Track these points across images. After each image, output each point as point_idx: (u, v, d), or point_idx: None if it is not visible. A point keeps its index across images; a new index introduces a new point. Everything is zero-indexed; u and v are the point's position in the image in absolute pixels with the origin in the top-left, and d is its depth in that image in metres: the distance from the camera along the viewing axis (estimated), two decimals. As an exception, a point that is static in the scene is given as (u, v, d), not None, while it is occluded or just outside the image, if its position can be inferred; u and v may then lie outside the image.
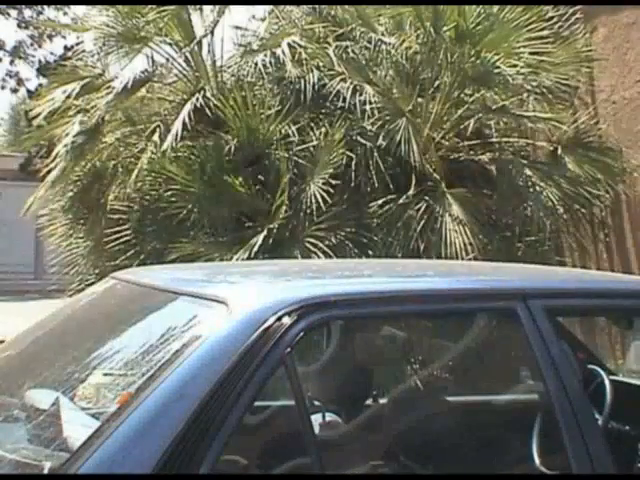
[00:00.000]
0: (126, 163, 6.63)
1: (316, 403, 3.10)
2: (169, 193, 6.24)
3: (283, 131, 6.21)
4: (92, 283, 5.75)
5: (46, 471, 2.03)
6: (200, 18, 6.83)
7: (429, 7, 6.28)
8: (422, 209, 6.02)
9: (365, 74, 6.41)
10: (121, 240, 6.44)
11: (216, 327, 2.21)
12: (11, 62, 22.09)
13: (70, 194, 6.98)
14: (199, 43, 6.76)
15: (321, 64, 6.45)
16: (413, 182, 6.15)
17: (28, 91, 21.79)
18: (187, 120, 6.17)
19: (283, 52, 6.33)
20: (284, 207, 5.91)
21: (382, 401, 3.22)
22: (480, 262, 5.30)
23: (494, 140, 6.72)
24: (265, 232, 5.84)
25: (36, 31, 21.22)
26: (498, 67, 6.20)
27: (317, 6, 6.87)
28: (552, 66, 6.41)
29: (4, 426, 2.42)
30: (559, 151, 6.62)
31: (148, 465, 1.95)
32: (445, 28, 6.24)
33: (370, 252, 5.94)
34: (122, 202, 6.49)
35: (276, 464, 2.61)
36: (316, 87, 6.40)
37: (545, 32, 6.35)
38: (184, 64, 6.90)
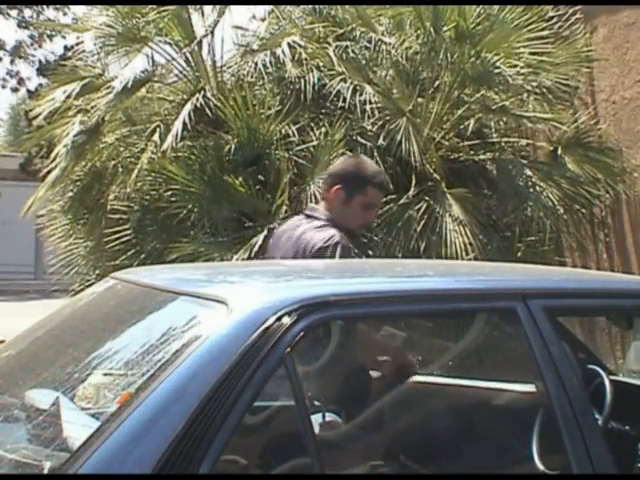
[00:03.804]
0: (126, 163, 6.63)
1: (316, 403, 3.10)
2: (169, 193, 6.24)
3: (283, 131, 6.21)
4: (92, 283, 5.74)
5: (46, 471, 2.03)
6: (200, 18, 6.83)
7: (429, 7, 6.28)
8: (422, 209, 6.01)
9: (365, 74, 6.41)
10: (121, 240, 6.44)
11: (216, 327, 2.21)
12: (11, 62, 22.13)
13: (70, 194, 6.98)
14: (199, 43, 6.76)
15: (321, 64, 6.45)
16: (413, 182, 6.15)
17: (28, 91, 21.83)
18: (187, 120, 6.17)
19: (283, 52, 6.33)
20: (284, 207, 5.91)
21: (382, 401, 3.22)
22: (480, 262, 5.30)
23: (494, 140, 6.72)
24: (265, 232, 5.84)
25: (36, 31, 21.23)
26: (498, 67, 6.20)
27: (317, 6, 6.87)
28: (552, 66, 6.41)
29: (4, 426, 2.42)
30: (559, 151, 6.62)
31: (148, 465, 1.95)
32: (445, 28, 6.24)
33: (370, 252, 5.94)
34: (122, 202, 6.50)
35: (276, 464, 2.61)
36: (316, 87, 6.40)
37: (545, 32, 6.34)
38: (184, 64, 6.90)
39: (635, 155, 7.00)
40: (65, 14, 20.83)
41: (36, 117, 7.18)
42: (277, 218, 5.90)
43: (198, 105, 6.35)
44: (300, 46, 6.40)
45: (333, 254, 3.65)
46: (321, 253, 3.67)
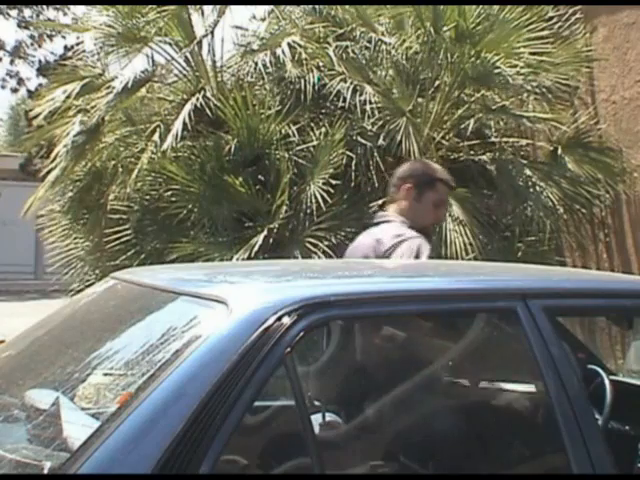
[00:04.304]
0: (126, 163, 6.63)
1: (316, 403, 3.10)
2: (169, 193, 6.25)
3: (283, 131, 6.22)
4: (92, 283, 5.75)
5: (46, 471, 2.03)
6: (200, 18, 6.83)
7: (429, 7, 6.28)
8: (422, 209, 6.01)
9: (365, 74, 6.42)
10: (121, 240, 6.44)
11: (216, 327, 2.21)
12: (11, 62, 22.12)
13: (70, 194, 6.98)
14: (199, 43, 6.76)
15: (321, 64, 6.45)
16: (413, 182, 6.14)
17: (28, 91, 21.83)
18: (187, 120, 6.17)
19: (283, 52, 6.33)
20: (284, 207, 5.92)
21: (382, 401, 3.21)
22: (480, 262, 5.30)
23: (494, 140, 6.72)
24: (265, 232, 5.84)
25: (36, 31, 21.22)
26: (498, 67, 6.20)
27: (317, 6, 6.87)
28: (552, 66, 6.41)
29: (4, 426, 2.41)
30: (559, 151, 6.62)
31: (148, 465, 1.95)
32: (445, 28, 6.24)
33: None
34: (122, 202, 6.50)
35: (276, 464, 2.61)
36: (316, 87, 6.40)
37: (545, 32, 6.34)
38: (184, 64, 6.91)
39: (635, 155, 7.00)
40: (65, 14, 20.82)
41: (36, 117, 7.18)
42: (277, 218, 5.90)
43: (198, 105, 6.35)
44: (300, 46, 6.40)
45: (408, 249, 3.67)
46: (394, 247, 3.69)
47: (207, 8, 6.85)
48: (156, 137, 6.34)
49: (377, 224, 3.99)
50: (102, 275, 5.55)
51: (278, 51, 6.38)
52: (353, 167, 6.14)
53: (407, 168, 4.18)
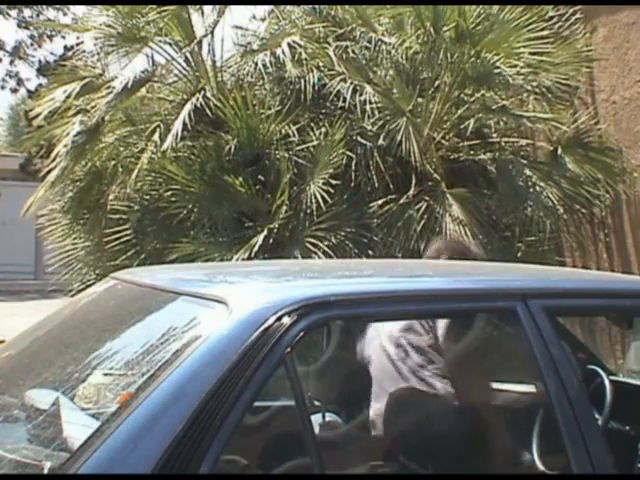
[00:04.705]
0: (126, 163, 6.63)
1: (316, 403, 3.10)
2: (169, 193, 6.25)
3: (283, 131, 6.22)
4: (92, 283, 5.75)
5: (46, 471, 2.03)
6: (200, 18, 6.84)
7: (429, 7, 6.28)
8: (422, 209, 6.02)
9: (365, 74, 6.42)
10: (121, 240, 6.45)
11: (216, 327, 2.21)
12: (11, 62, 22.08)
13: (70, 194, 6.99)
14: (199, 43, 6.76)
15: (321, 64, 6.46)
16: (413, 182, 6.15)
17: (28, 91, 21.79)
18: (187, 120, 6.18)
19: (283, 52, 6.34)
20: (284, 207, 5.92)
21: (382, 401, 3.21)
22: (480, 262, 5.29)
23: (494, 140, 6.73)
24: (265, 232, 5.84)
25: (36, 31, 21.20)
26: (498, 67, 6.21)
27: (317, 6, 6.88)
28: (552, 66, 6.42)
29: (4, 426, 2.41)
30: (559, 151, 6.62)
31: (148, 465, 1.95)
32: (445, 28, 6.25)
33: (370, 252, 5.95)
34: (122, 202, 6.50)
35: (276, 464, 2.61)
36: (316, 87, 6.41)
37: (545, 32, 6.35)
38: (184, 64, 6.91)
39: (635, 155, 7.00)
40: (65, 14, 20.78)
41: (36, 117, 7.18)
42: (277, 218, 5.90)
43: (198, 105, 6.36)
44: (300, 46, 6.40)
45: None
46: None
47: (207, 8, 6.86)
48: (156, 137, 6.34)
49: None
50: (102, 275, 5.55)
51: (278, 51, 6.38)
52: (353, 167, 6.14)
53: (442, 243, 4.21)
